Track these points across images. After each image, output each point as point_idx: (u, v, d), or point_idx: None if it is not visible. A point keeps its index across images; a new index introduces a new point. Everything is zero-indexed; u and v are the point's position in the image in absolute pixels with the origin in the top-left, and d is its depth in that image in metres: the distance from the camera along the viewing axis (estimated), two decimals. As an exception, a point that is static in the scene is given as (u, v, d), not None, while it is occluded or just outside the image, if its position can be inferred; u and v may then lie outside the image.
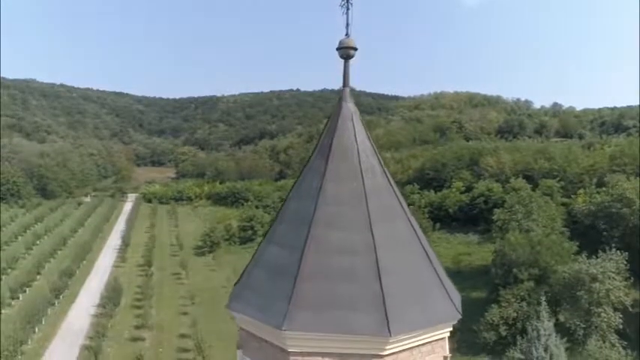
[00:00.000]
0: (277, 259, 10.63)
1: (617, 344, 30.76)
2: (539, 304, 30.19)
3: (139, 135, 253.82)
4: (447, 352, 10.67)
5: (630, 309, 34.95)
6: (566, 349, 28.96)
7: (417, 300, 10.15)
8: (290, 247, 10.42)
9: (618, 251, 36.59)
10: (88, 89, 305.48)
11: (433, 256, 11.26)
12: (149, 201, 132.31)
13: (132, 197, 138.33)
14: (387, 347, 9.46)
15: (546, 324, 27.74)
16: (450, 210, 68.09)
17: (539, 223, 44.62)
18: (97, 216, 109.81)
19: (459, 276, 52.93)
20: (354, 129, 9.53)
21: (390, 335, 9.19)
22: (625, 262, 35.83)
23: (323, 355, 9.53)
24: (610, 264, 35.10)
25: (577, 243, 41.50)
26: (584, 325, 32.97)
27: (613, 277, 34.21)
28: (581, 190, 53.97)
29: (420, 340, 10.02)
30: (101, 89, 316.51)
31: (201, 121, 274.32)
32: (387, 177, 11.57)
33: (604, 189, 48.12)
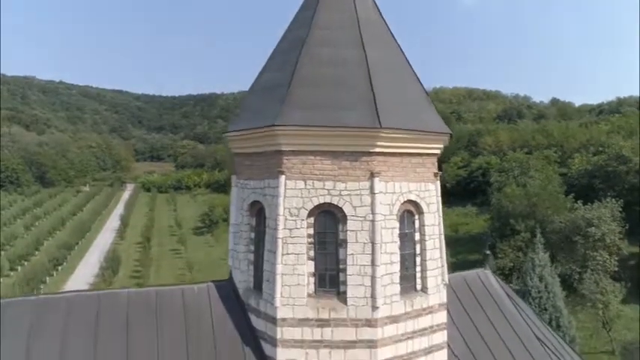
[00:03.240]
0: (271, 80, 10.90)
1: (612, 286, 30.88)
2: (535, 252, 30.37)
3: (138, 131, 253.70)
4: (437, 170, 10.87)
5: (625, 251, 35.09)
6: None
7: (408, 107, 10.41)
8: (283, 66, 10.69)
9: (613, 199, 36.79)
10: (87, 86, 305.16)
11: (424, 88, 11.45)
12: (148, 190, 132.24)
13: (130, 187, 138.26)
14: (378, 142, 9.70)
15: (541, 255, 27.95)
16: (448, 185, 68.17)
17: (536, 179, 44.83)
18: (95, 202, 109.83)
19: (457, 242, 53.15)
20: None
21: (381, 126, 9.43)
22: (620, 210, 36.02)
23: (315, 153, 9.79)
24: (606, 210, 35.29)
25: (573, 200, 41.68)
26: (579, 270, 33.09)
27: (609, 223, 34.39)
28: (578, 154, 54.14)
29: (411, 147, 10.27)
30: (100, 87, 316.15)
31: (200, 118, 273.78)
32: (379, 13, 11.81)
33: (601, 149, 48.22)
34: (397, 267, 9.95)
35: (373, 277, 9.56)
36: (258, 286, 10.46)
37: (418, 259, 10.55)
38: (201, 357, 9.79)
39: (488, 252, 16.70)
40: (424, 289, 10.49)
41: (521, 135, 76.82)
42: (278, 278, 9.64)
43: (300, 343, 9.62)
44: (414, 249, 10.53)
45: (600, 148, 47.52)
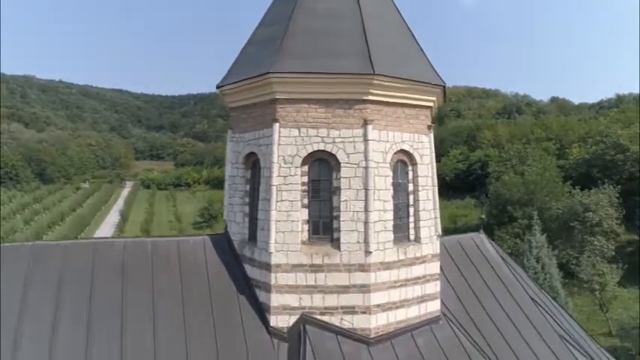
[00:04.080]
0: (266, 33, 10.99)
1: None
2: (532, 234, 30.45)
3: (138, 130, 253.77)
4: (431, 123, 10.98)
5: (623, 238, 35.18)
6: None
7: (402, 58, 10.52)
8: (278, 20, 10.80)
9: (611, 186, 36.90)
10: (87, 86, 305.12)
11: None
12: (147, 187, 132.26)
13: (130, 184, 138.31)
14: (371, 90, 9.81)
15: (538, 237, 28.04)
16: (447, 178, 68.31)
17: (534, 167, 44.96)
18: (95, 198, 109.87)
19: (456, 233, 53.04)
20: None
21: (374, 72, 9.52)
22: (617, 196, 36.12)
23: (309, 101, 9.91)
24: (603, 196, 35.39)
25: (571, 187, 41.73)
26: (577, 255, 33.16)
27: (606, 208, 34.49)
28: (576, 144, 54.26)
29: (404, 97, 10.37)
30: (100, 86, 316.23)
31: (199, 117, 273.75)
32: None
33: (598, 139, 48.29)
34: (390, 215, 10.05)
35: (366, 223, 9.66)
36: (253, 237, 10.55)
37: (411, 210, 10.65)
38: (196, 305, 9.88)
39: (483, 216, 16.76)
40: (417, 240, 10.59)
41: (520, 129, 76.91)
42: (272, 225, 9.74)
43: (294, 289, 9.71)
44: (408, 200, 10.63)
45: (598, 138, 47.64)
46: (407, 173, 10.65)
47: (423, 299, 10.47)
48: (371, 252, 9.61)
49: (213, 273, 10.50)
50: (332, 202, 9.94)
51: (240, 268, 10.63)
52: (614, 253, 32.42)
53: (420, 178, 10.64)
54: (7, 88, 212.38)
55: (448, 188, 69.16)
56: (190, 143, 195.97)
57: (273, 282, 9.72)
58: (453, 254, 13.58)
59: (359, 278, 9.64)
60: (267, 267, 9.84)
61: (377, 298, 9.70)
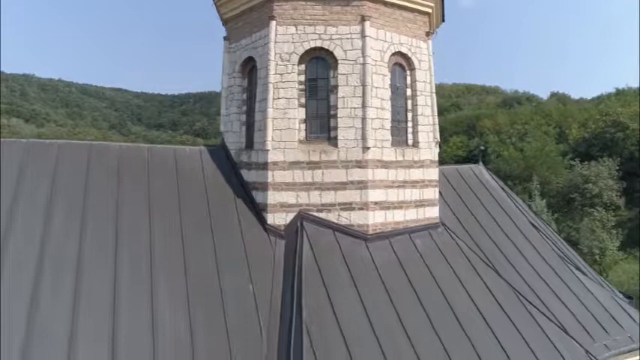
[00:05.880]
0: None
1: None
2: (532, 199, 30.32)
3: (137, 127, 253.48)
4: (430, 30, 10.88)
5: (624, 215, 35.09)
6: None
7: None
8: None
9: (610, 158, 36.80)
10: (86, 85, 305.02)
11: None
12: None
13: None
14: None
15: (538, 201, 27.93)
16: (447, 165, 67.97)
17: (533, 144, 44.86)
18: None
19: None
20: None
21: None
22: (617, 168, 35.99)
23: (306, -4, 9.74)
24: (603, 168, 35.28)
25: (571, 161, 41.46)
26: (577, 227, 33.04)
27: (606, 179, 34.36)
28: (575, 125, 54.07)
29: (402, -2, 10.24)
30: (100, 85, 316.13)
31: (199, 115, 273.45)
32: None
33: (598, 117, 48.11)
34: (388, 115, 9.96)
35: (364, 119, 9.57)
36: (250, 144, 10.46)
37: (409, 115, 10.56)
38: (192, 206, 9.78)
39: (482, 147, 16.64)
40: (415, 144, 10.50)
41: (520, 117, 76.66)
42: (269, 122, 9.66)
43: (291, 186, 9.63)
44: (406, 104, 10.55)
45: (598, 117, 47.53)
46: (405, 78, 10.57)
47: (421, 203, 10.38)
48: (369, 147, 9.52)
49: (210, 179, 10.40)
50: (329, 100, 9.86)
51: (238, 176, 10.54)
52: (614, 224, 32.26)
53: (418, 83, 10.56)
54: (6, 87, 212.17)
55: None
56: (190, 140, 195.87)
57: (270, 180, 9.63)
58: (452, 182, 13.51)
59: (356, 175, 9.55)
60: (264, 166, 9.75)
61: (375, 195, 9.61)
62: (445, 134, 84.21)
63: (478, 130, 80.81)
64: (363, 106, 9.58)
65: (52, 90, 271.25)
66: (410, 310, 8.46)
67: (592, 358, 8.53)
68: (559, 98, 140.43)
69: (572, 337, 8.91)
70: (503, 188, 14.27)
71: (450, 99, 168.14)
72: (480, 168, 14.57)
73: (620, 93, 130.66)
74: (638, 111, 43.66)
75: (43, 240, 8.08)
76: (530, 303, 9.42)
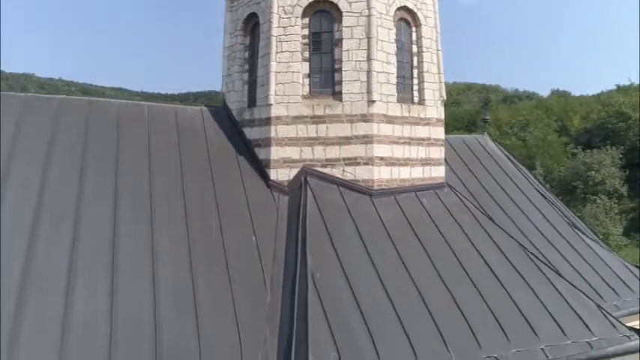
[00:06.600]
0: None
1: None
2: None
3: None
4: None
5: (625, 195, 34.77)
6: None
7: None
8: None
9: (614, 147, 36.56)
10: (86, 84, 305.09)
11: None
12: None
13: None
14: None
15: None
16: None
17: (535, 133, 44.62)
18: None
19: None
20: None
21: None
22: (620, 157, 35.76)
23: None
24: (606, 156, 35.05)
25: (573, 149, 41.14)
26: (579, 215, 32.74)
27: (608, 167, 34.12)
28: (576, 117, 53.79)
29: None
30: (99, 84, 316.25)
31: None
32: None
33: (600, 108, 47.81)
34: (394, 69, 9.74)
35: (369, 72, 9.35)
36: (252, 103, 10.24)
37: (415, 72, 10.34)
38: (193, 163, 9.53)
39: (487, 118, 16.45)
40: (421, 102, 10.28)
41: (521, 112, 76.43)
42: (272, 76, 9.44)
43: (294, 141, 9.41)
44: (411, 61, 10.32)
45: (600, 107, 47.25)
46: (410, 34, 10.34)
47: (427, 162, 10.16)
48: (374, 101, 9.30)
49: (212, 137, 10.19)
50: (333, 54, 9.63)
51: (240, 135, 10.32)
52: (617, 212, 32.01)
53: (424, 40, 10.33)
54: (6, 85, 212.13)
55: (449, 169, 68.69)
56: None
57: (273, 135, 9.41)
58: (458, 150, 13.31)
59: (361, 129, 9.33)
60: (267, 121, 9.53)
61: (380, 150, 9.38)
62: (446, 130, 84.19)
63: (479, 124, 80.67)
64: (369, 59, 9.36)
65: (52, 89, 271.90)
66: (418, 262, 8.23)
67: (604, 312, 8.30)
68: (560, 95, 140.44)
69: (582, 292, 8.68)
70: (509, 158, 14.05)
71: (450, 97, 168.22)
72: (485, 138, 14.37)
73: (621, 89, 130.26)
74: (639, 100, 43.32)
75: (41, 188, 7.86)
76: (540, 259, 9.19)
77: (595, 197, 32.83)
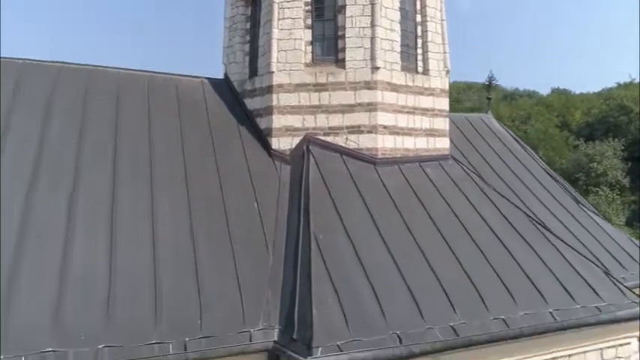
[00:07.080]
0: None
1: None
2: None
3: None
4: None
5: (629, 198, 34.64)
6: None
7: None
8: None
9: (615, 139, 36.41)
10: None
11: None
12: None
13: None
14: None
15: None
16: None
17: (536, 126, 44.48)
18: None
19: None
20: None
21: None
22: (622, 149, 35.61)
23: None
24: (608, 147, 34.89)
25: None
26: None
27: (610, 158, 33.96)
28: (578, 112, 53.62)
29: None
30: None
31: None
32: None
33: (601, 102, 47.65)
34: (398, 37, 9.58)
35: (373, 38, 9.19)
36: (253, 73, 10.08)
37: (419, 41, 10.18)
38: (194, 133, 9.36)
39: (490, 97, 16.31)
40: (426, 72, 10.12)
41: (521, 108, 76.28)
42: (274, 43, 9.28)
43: (297, 109, 9.25)
44: (416, 31, 10.17)
45: (601, 101, 47.08)
46: (415, 3, 10.18)
47: (431, 133, 10.00)
48: (378, 68, 9.14)
49: (212, 107, 10.03)
50: (336, 22, 9.47)
51: (241, 106, 10.16)
52: (619, 203, 31.87)
53: (428, 9, 10.17)
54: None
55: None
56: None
57: (274, 103, 9.25)
58: (462, 128, 13.15)
59: (365, 96, 9.17)
60: (268, 89, 9.38)
61: (384, 118, 9.23)
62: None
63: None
64: (372, 25, 9.20)
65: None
66: (422, 227, 8.08)
67: (612, 278, 8.14)
68: (560, 93, 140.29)
69: (589, 260, 8.53)
70: (513, 137, 13.91)
71: (450, 95, 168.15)
72: (489, 117, 14.23)
73: (622, 86, 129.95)
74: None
75: (40, 145, 7.74)
76: (546, 228, 9.03)
77: (597, 189, 32.69)
